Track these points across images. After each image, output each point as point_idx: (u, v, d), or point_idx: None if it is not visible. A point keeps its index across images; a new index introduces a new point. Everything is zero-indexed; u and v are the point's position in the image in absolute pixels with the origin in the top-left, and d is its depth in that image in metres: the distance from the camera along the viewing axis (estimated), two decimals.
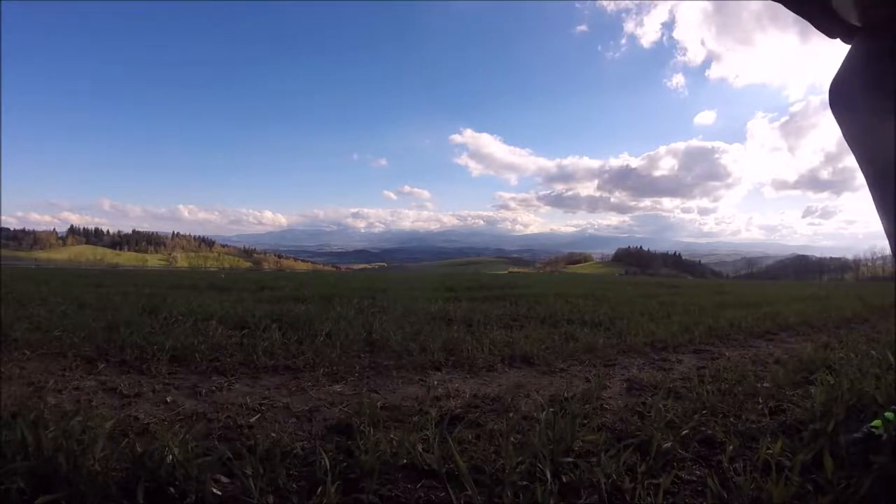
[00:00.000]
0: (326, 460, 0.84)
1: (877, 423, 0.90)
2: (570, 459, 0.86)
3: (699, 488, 0.78)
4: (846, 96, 0.87)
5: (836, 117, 0.90)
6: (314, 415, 1.20)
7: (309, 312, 2.99)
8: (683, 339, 2.38)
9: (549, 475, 0.80)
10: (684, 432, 0.99)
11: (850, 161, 0.93)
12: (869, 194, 0.89)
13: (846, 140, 0.89)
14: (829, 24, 0.87)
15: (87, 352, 1.80)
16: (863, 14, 0.82)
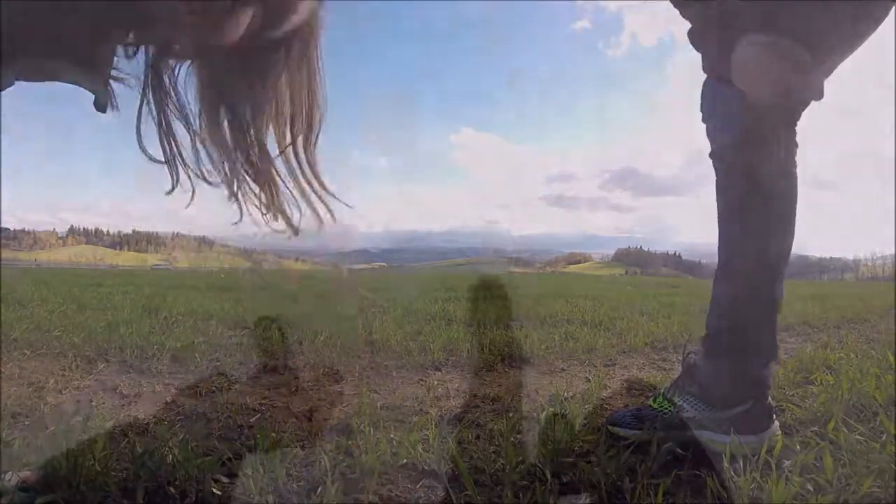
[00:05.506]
0: (326, 460, 0.84)
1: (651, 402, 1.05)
2: (570, 459, 0.86)
3: (699, 488, 0.78)
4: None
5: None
6: (314, 415, 1.21)
7: (309, 312, 2.99)
8: (683, 339, 2.38)
9: (549, 475, 0.80)
10: None
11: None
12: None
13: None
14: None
15: (87, 352, 1.80)
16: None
